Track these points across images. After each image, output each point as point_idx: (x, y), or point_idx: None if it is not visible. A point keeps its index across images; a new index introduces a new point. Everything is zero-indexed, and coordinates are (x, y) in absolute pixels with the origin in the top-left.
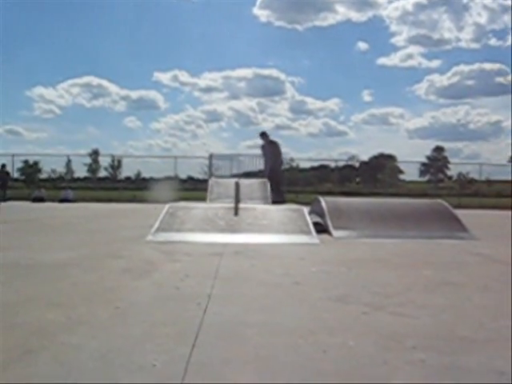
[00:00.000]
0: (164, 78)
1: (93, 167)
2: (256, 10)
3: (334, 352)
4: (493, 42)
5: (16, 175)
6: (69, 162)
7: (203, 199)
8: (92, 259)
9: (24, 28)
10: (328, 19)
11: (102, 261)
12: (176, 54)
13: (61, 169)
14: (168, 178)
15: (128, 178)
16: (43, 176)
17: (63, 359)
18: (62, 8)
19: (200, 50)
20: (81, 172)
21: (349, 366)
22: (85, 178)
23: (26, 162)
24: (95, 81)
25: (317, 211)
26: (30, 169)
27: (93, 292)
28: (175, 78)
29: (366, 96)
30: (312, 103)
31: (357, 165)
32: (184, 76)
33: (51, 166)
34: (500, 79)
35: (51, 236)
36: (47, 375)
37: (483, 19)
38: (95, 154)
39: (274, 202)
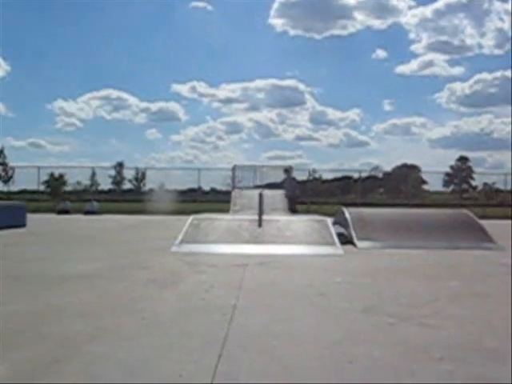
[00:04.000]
0: (182, 89)
1: (117, 179)
2: (271, 19)
3: (360, 363)
4: None
5: (42, 188)
6: (93, 175)
7: (226, 211)
8: (118, 270)
9: (42, 42)
10: (347, 27)
11: (128, 272)
12: (192, 64)
13: (86, 181)
14: (191, 190)
15: (152, 190)
16: (68, 188)
17: (90, 369)
18: (80, 21)
19: (217, 61)
20: (105, 184)
21: (375, 377)
22: (109, 191)
23: (51, 174)
24: (114, 93)
25: (340, 222)
26: (56, 181)
27: (119, 302)
28: (193, 90)
29: (387, 105)
30: (332, 113)
31: (380, 175)
32: (202, 87)
33: (76, 179)
34: None
35: (77, 247)
36: None
37: (506, 24)
38: (120, 166)
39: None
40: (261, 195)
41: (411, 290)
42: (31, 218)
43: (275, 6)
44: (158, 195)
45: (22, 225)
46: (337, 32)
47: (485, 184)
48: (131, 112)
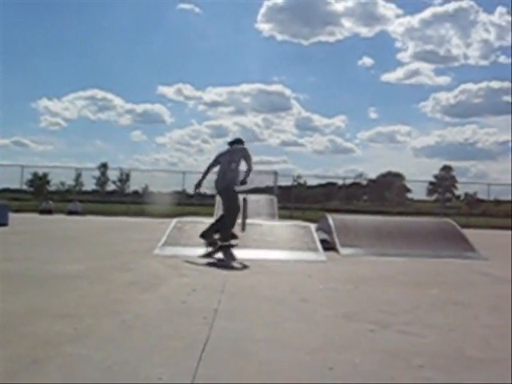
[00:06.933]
0: (168, 91)
1: (101, 180)
2: (259, 24)
3: (340, 369)
4: (502, 59)
5: (24, 187)
6: (78, 175)
7: (211, 214)
8: (99, 272)
9: (28, 40)
10: (334, 34)
11: (110, 273)
12: (179, 67)
13: (69, 181)
14: (176, 193)
15: (136, 192)
16: (52, 188)
17: (69, 370)
18: (66, 20)
19: (203, 64)
20: (89, 185)
21: (355, 383)
22: (93, 191)
23: (35, 174)
24: (100, 94)
25: (324, 228)
26: (39, 181)
27: (100, 304)
28: (179, 92)
29: (372, 113)
30: (318, 120)
31: (364, 183)
32: (188, 90)
33: (59, 179)
34: (508, 98)
35: (59, 248)
36: None
37: (491, 36)
38: (104, 167)
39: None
40: (245, 200)
41: (393, 298)
42: (13, 217)
43: (263, 10)
44: (142, 197)
45: (4, 224)
46: (324, 38)
47: (466, 194)
48: (116, 113)
